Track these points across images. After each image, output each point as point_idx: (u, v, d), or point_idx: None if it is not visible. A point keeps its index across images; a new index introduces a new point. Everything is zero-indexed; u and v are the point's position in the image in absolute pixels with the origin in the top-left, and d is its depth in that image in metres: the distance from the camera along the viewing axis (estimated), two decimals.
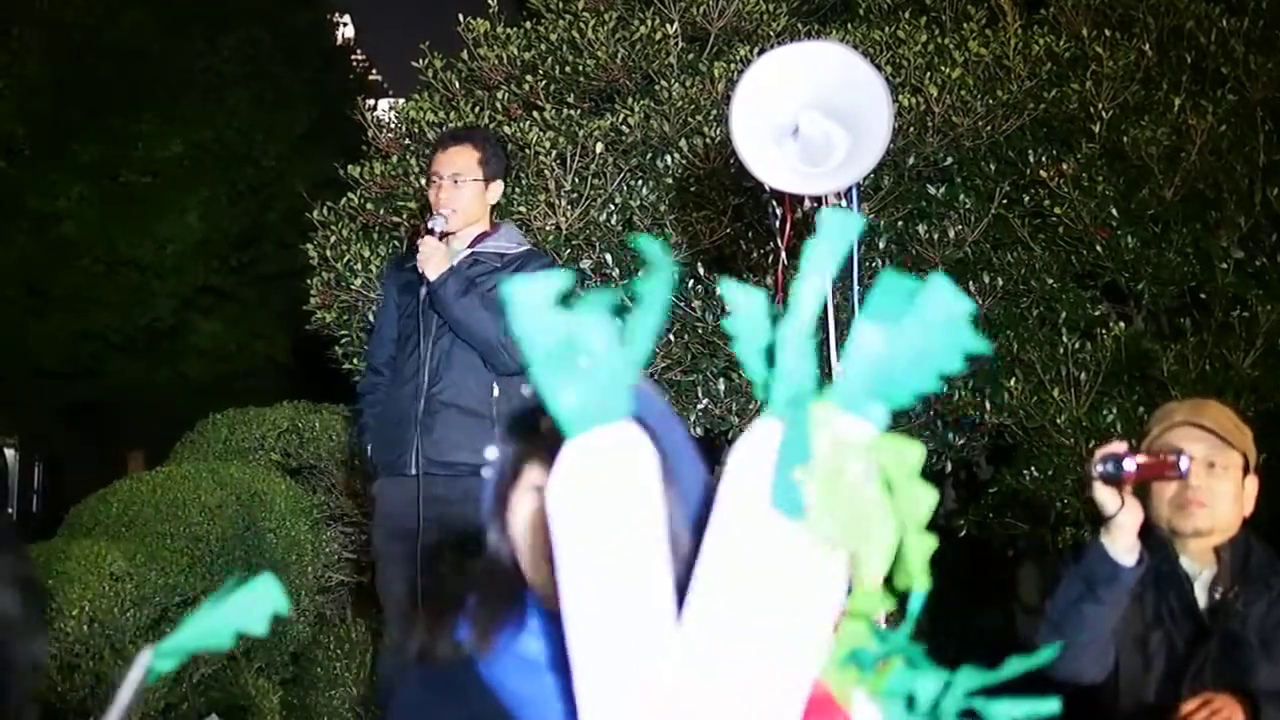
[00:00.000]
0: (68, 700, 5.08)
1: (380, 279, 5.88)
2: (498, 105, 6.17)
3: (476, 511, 4.13)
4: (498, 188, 4.38)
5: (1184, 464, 2.62)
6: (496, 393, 4.18)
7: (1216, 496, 2.82)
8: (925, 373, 1.05)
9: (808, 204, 3.83)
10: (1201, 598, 2.82)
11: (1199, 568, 2.85)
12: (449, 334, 4.19)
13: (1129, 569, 2.69)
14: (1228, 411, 2.93)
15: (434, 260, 4.16)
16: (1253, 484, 2.90)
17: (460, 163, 4.27)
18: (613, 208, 5.84)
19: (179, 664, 1.04)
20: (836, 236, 1.07)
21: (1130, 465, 2.61)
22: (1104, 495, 2.66)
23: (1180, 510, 2.83)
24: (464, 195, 4.26)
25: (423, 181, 6.01)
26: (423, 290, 4.18)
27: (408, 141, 6.31)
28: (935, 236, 5.80)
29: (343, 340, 6.27)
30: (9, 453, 18.84)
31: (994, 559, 6.42)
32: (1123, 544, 2.68)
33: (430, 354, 4.19)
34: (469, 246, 4.29)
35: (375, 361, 4.46)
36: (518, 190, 5.95)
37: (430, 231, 4.20)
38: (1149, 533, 2.82)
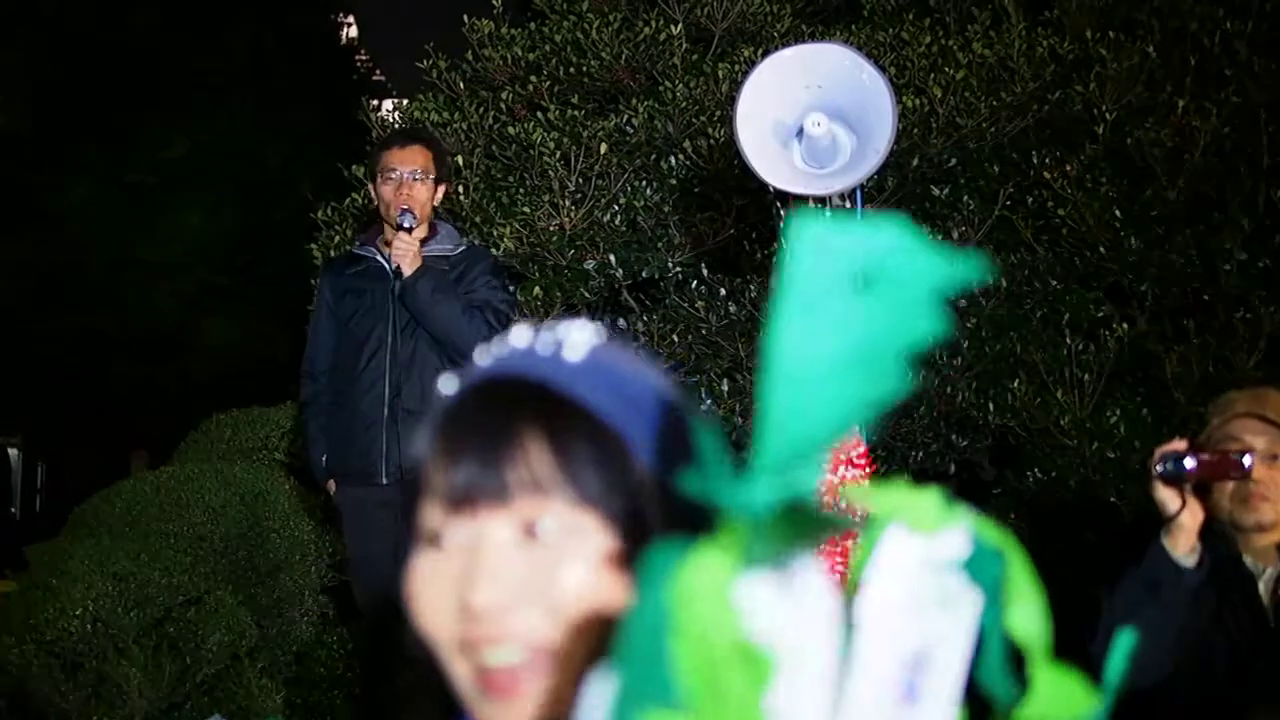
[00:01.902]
0: (71, 700, 5.08)
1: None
2: (502, 106, 6.17)
3: None
4: (442, 191, 4.39)
5: (1247, 461, 2.56)
6: None
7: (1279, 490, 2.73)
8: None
9: (811, 205, 3.84)
10: (1265, 596, 2.74)
11: (1262, 565, 2.77)
12: (413, 338, 4.18)
13: (1190, 571, 2.62)
14: None
15: (409, 257, 4.15)
16: None
17: (420, 160, 4.27)
18: (617, 208, 5.84)
19: None
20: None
21: (1191, 464, 2.55)
22: (1164, 495, 2.60)
23: (1243, 504, 2.74)
24: (422, 193, 4.26)
25: None
26: (396, 287, 4.15)
27: None
28: (939, 238, 5.80)
29: None
30: (12, 452, 18.85)
31: None
32: (1184, 545, 2.62)
33: (394, 360, 4.17)
34: None
35: (315, 369, 4.41)
36: (522, 191, 5.95)
37: (400, 228, 4.19)
38: (1210, 528, 2.74)
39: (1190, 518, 2.61)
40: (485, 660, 0.88)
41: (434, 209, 4.37)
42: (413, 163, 4.26)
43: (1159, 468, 2.58)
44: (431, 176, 4.28)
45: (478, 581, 0.88)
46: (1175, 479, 2.58)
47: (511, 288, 4.47)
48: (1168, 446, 2.60)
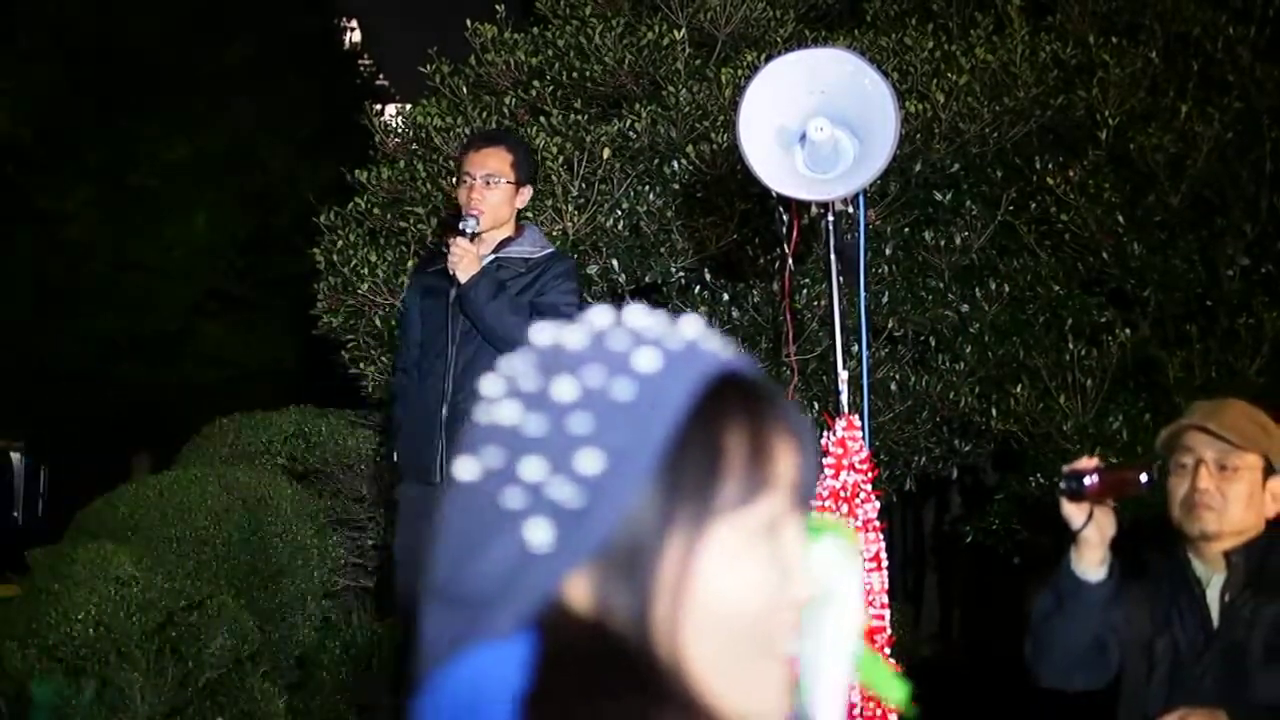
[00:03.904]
0: (74, 705, 5.08)
1: (387, 283, 5.89)
2: (505, 110, 6.18)
3: None
4: (527, 193, 4.36)
5: (1144, 479, 2.61)
6: None
7: (1227, 500, 2.76)
8: None
9: (814, 210, 3.84)
10: (1214, 603, 2.78)
11: (1211, 572, 2.80)
12: (474, 340, 4.16)
13: (1092, 584, 2.70)
14: (1250, 412, 2.85)
15: (465, 262, 4.11)
16: (1279, 485, 2.83)
17: (493, 164, 4.24)
18: (620, 213, 5.84)
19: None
20: None
21: (1090, 481, 2.63)
22: (1069, 511, 2.69)
23: (1188, 513, 2.78)
24: (495, 197, 4.23)
25: (429, 186, 6.02)
26: (451, 293, 4.15)
27: (415, 146, 6.33)
28: (942, 243, 5.80)
29: (349, 344, 6.28)
30: (15, 456, 18.89)
31: (999, 565, 6.42)
32: (1089, 559, 2.70)
33: (455, 361, 4.17)
34: (493, 251, 4.27)
35: (404, 363, 4.44)
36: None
37: (461, 233, 4.18)
38: (1164, 536, 2.80)
39: (1096, 532, 2.68)
40: (786, 649, 0.94)
41: (519, 211, 4.36)
42: (486, 166, 4.23)
43: (1062, 485, 2.66)
44: (509, 180, 4.25)
45: (801, 575, 0.94)
46: (1078, 495, 2.64)
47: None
48: (1074, 464, 2.66)
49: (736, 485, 0.90)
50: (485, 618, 0.89)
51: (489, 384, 0.94)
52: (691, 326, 0.95)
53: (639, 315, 0.94)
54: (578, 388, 0.90)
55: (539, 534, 0.87)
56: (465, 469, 0.91)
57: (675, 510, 0.89)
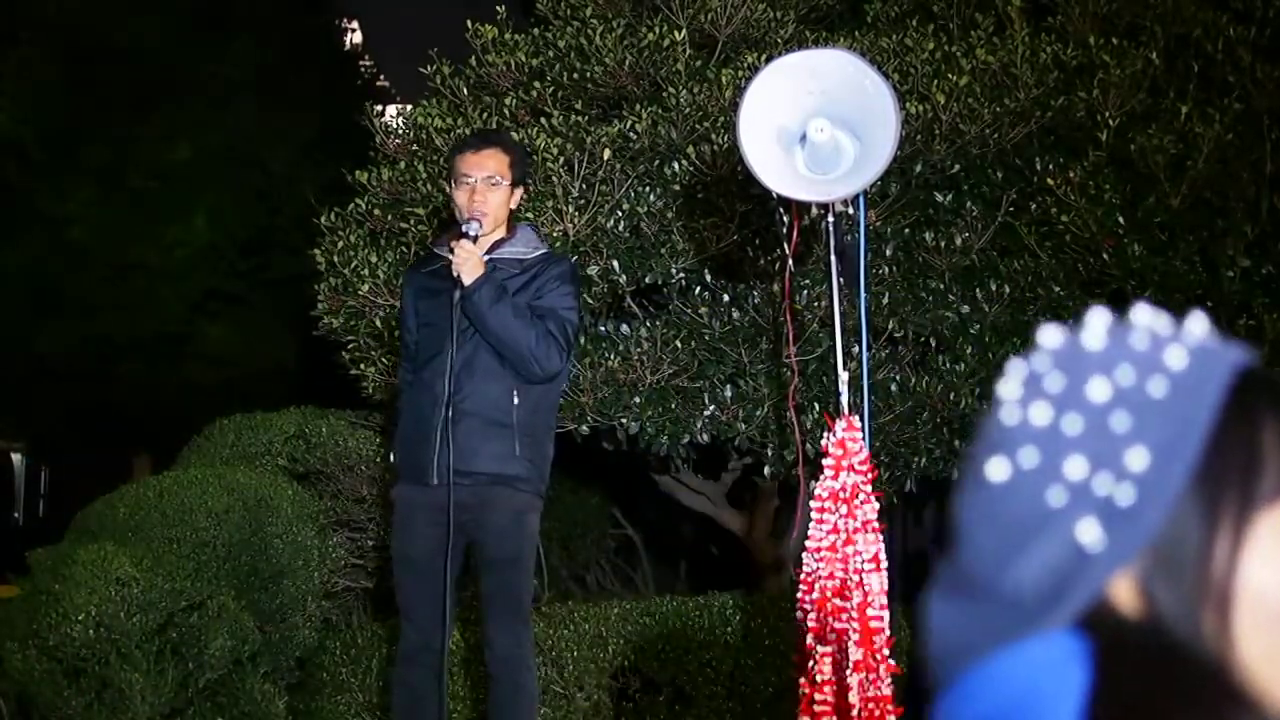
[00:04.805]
0: (73, 705, 5.09)
1: (388, 284, 5.89)
2: (505, 111, 6.17)
3: (495, 518, 4.13)
4: (519, 193, 4.37)
5: None
6: (516, 400, 4.15)
7: None
8: None
9: (815, 211, 3.84)
10: None
11: None
12: (472, 341, 4.15)
13: None
14: None
15: (469, 265, 4.10)
16: None
17: (493, 165, 4.23)
18: (620, 214, 5.84)
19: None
20: None
21: None
22: None
23: None
24: (496, 198, 4.23)
25: (430, 187, 6.02)
26: (456, 295, 4.13)
27: (415, 147, 6.32)
28: (942, 244, 5.80)
29: (350, 345, 6.28)
30: (16, 456, 18.88)
31: None
32: None
33: (454, 362, 4.16)
34: (487, 253, 4.26)
35: (405, 360, 4.46)
36: (525, 196, 5.96)
37: (465, 236, 4.17)
38: None
39: None
40: None
41: (513, 211, 4.35)
42: (486, 168, 4.22)
43: None
44: (506, 181, 4.25)
45: None
46: None
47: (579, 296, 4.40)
48: None
49: (1273, 478, 0.91)
50: (1035, 615, 0.90)
51: (1007, 386, 0.96)
52: (1200, 324, 0.96)
53: (1146, 313, 0.96)
54: (1110, 387, 0.91)
55: (1090, 533, 0.89)
56: (997, 469, 0.92)
57: (1219, 504, 0.90)
